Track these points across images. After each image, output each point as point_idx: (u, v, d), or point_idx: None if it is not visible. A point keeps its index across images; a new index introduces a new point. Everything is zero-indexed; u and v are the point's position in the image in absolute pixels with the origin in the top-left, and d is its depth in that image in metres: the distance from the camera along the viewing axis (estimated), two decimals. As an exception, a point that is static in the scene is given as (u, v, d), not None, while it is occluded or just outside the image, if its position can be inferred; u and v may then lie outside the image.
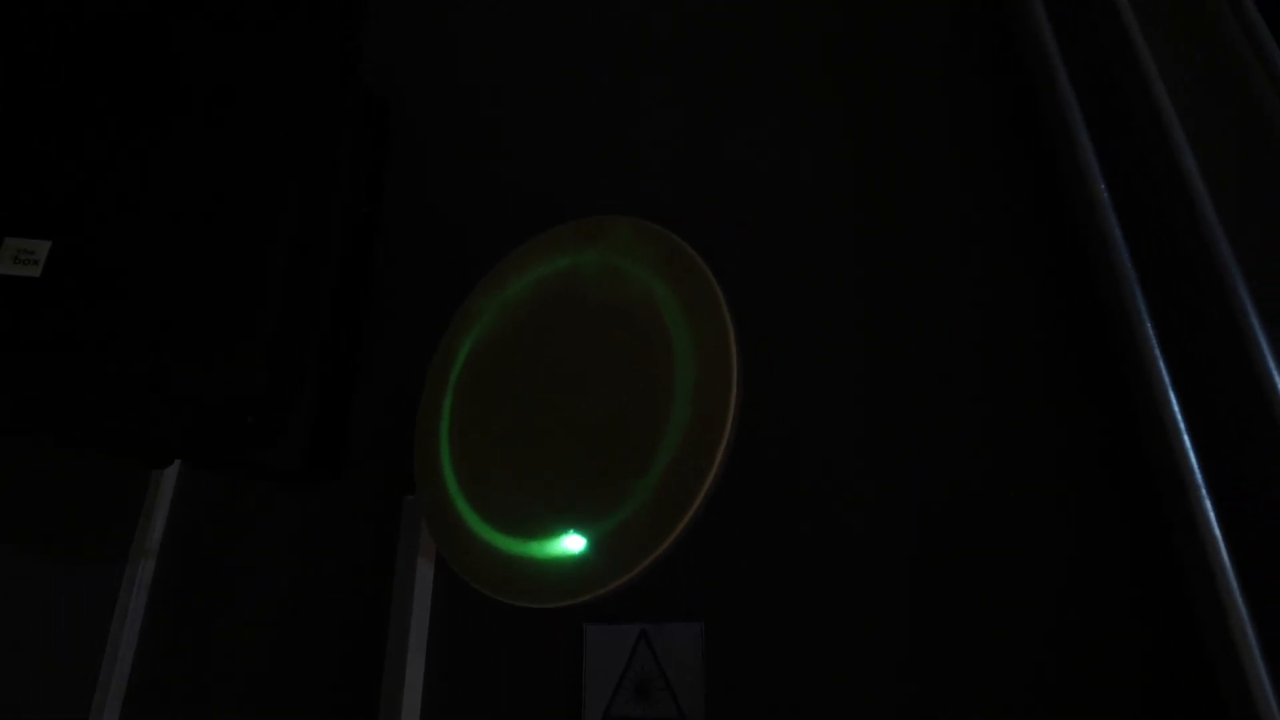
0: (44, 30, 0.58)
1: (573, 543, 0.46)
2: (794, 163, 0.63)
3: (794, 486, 0.52)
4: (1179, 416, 0.40)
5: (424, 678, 0.60)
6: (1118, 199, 0.45)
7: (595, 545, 0.45)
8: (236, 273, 0.54)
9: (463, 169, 0.84)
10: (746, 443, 0.49)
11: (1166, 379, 0.41)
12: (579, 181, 0.73)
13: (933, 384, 0.51)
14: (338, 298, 0.75)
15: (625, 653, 0.52)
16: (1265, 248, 0.44)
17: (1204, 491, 0.39)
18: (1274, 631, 0.36)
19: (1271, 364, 0.40)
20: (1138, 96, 0.47)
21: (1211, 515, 0.38)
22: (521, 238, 0.60)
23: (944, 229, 0.55)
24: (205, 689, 0.76)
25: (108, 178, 0.54)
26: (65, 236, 0.50)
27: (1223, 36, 0.49)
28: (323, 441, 0.73)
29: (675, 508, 0.42)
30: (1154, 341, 0.42)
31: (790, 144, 0.64)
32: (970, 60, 0.59)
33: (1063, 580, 0.44)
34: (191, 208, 0.55)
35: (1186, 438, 0.40)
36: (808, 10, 0.69)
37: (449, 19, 0.95)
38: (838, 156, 0.61)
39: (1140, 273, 0.44)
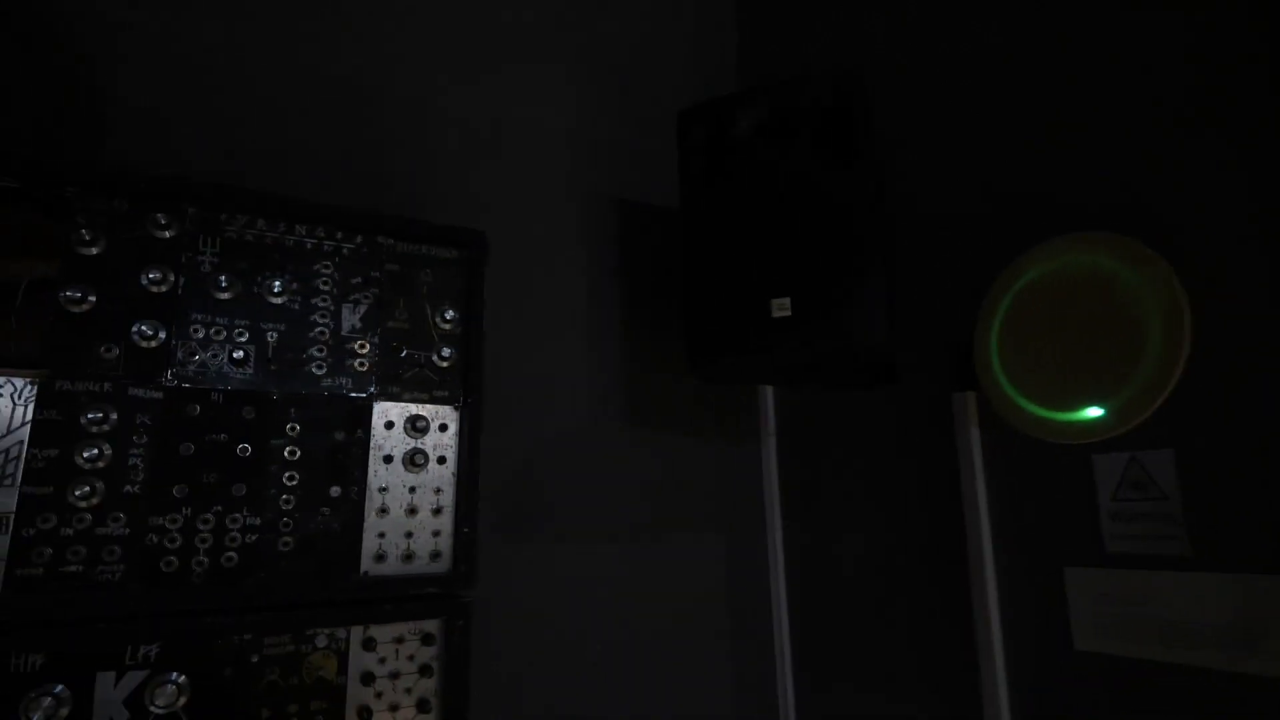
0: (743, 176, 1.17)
1: (1094, 411, 0.91)
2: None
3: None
4: None
5: (985, 490, 1.12)
6: None
7: (1107, 412, 0.90)
8: (858, 283, 1.08)
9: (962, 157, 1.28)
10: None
11: None
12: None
13: None
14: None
15: (1123, 466, 0.97)
16: None
17: None
18: None
19: None
20: None
21: None
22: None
23: None
24: (833, 496, 1.41)
25: (795, 262, 1.12)
26: (794, 294, 1.10)
27: None
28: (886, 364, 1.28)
29: (1147, 398, 0.85)
30: None
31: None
32: None
33: None
34: (833, 267, 1.10)
35: None
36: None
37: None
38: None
39: None
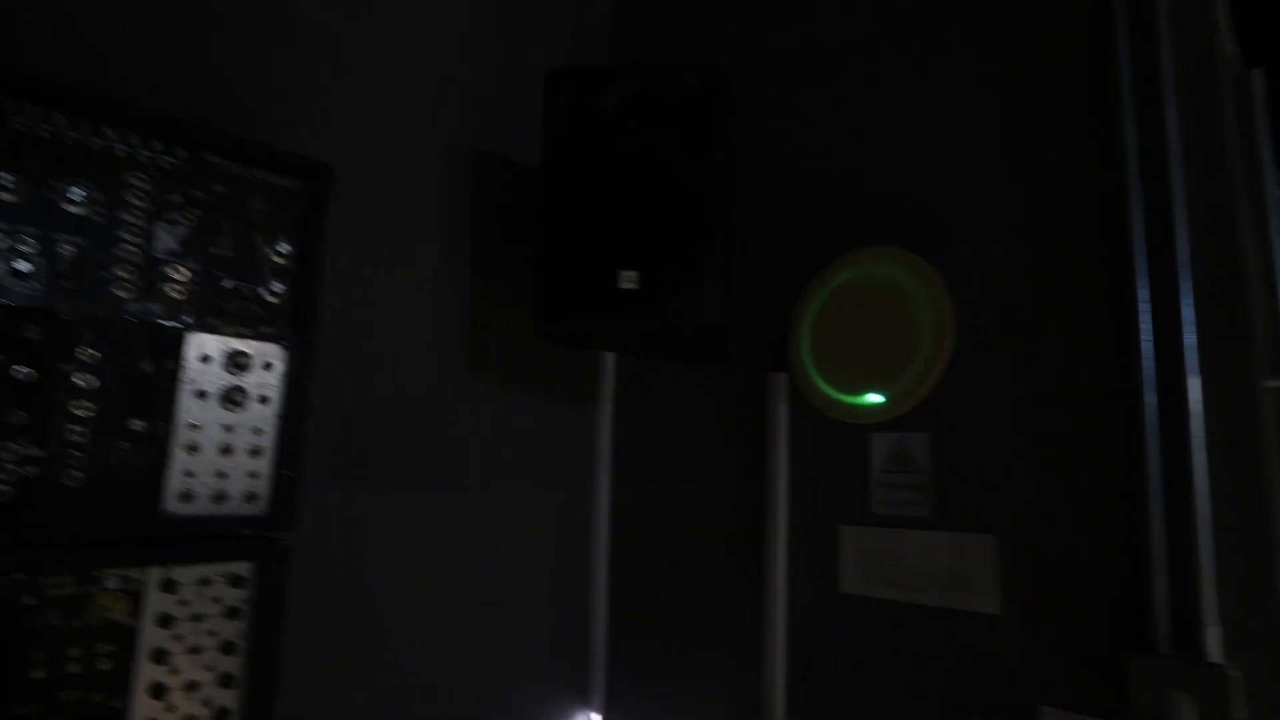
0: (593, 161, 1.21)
1: (874, 398, 1.08)
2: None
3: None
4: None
5: (787, 460, 1.28)
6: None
7: (885, 399, 1.06)
8: (702, 267, 1.16)
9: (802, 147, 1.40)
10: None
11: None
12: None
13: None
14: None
15: (891, 444, 1.15)
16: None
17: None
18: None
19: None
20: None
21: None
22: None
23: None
24: (658, 460, 1.52)
25: (645, 238, 1.19)
26: (641, 268, 1.16)
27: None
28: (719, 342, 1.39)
29: (915, 389, 1.02)
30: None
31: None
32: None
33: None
34: (680, 248, 1.18)
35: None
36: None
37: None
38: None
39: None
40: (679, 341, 1.29)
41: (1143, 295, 0.96)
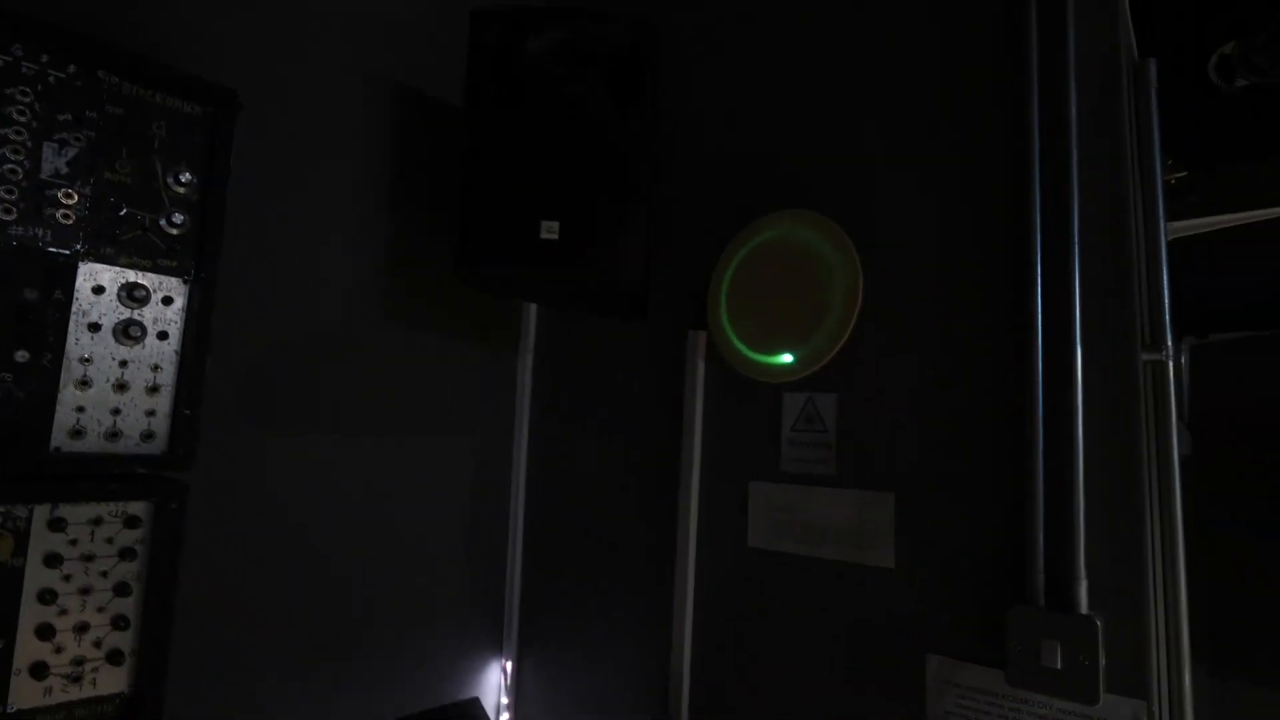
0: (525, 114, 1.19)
1: (786, 358, 1.11)
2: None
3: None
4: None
5: (702, 416, 1.31)
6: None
7: (796, 359, 1.10)
8: (623, 221, 1.17)
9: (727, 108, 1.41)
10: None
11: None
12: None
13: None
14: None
15: (802, 403, 1.19)
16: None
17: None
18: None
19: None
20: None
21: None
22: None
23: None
24: (577, 413, 1.54)
25: (568, 189, 1.18)
26: (563, 219, 1.16)
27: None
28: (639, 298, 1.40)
29: (825, 350, 1.06)
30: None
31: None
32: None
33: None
34: (602, 201, 1.18)
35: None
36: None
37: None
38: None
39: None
40: (599, 295, 1.30)
41: (1038, 271, 1.01)
